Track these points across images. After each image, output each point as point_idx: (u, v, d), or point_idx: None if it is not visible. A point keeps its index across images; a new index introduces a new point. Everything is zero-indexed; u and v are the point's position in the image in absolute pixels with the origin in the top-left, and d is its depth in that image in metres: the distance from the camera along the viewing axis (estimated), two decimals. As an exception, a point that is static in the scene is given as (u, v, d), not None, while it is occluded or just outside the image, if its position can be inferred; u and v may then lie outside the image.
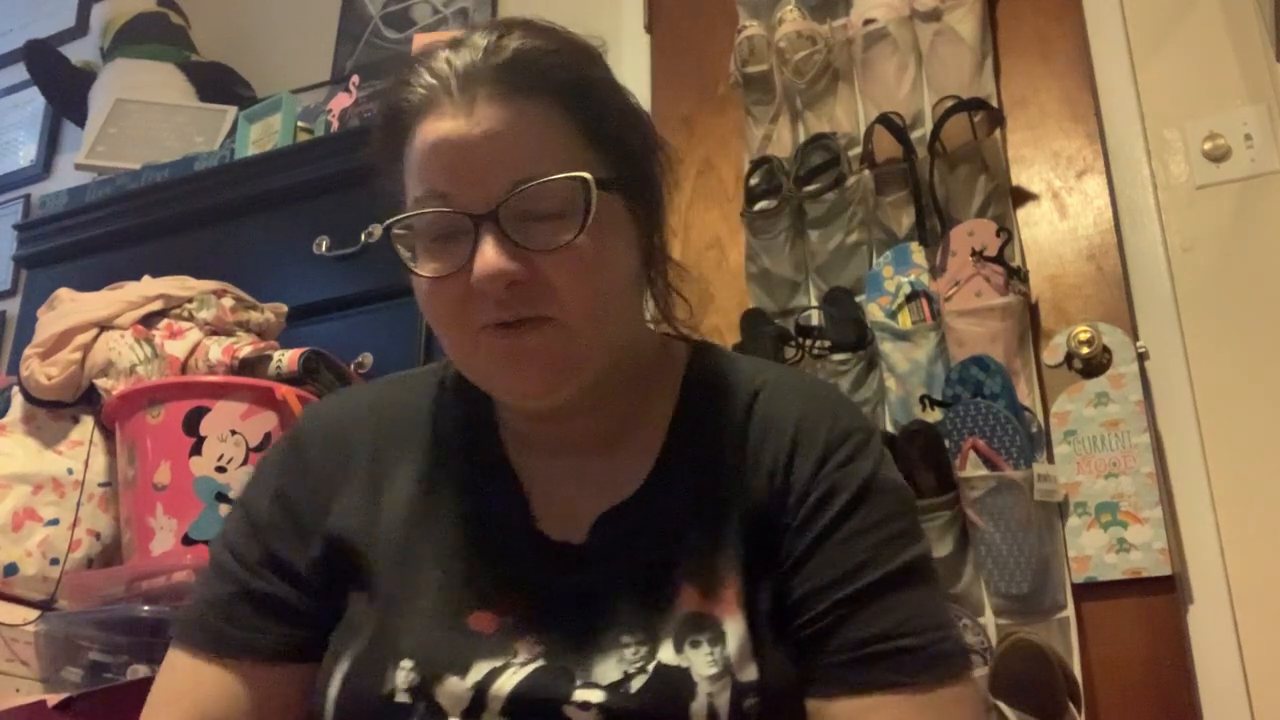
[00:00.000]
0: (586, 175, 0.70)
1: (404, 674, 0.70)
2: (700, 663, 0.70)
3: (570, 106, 0.72)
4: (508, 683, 0.70)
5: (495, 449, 0.82)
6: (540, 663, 0.71)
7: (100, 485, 1.59)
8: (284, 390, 1.46)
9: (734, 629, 0.71)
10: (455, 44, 0.73)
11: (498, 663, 0.70)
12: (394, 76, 0.75)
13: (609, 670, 0.70)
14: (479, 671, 0.70)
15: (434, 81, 0.72)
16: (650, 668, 0.70)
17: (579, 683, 0.69)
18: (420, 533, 0.78)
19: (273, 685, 0.78)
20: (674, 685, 0.69)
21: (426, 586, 0.75)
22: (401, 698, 0.70)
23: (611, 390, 0.79)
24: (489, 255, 0.68)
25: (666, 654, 0.70)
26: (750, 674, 0.70)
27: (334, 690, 0.73)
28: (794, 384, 0.82)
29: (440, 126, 0.70)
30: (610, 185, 0.73)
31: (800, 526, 0.75)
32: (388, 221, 0.73)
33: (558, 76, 0.72)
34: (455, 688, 0.70)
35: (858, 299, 1.71)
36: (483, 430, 0.82)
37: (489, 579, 0.75)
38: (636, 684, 0.69)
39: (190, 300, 1.60)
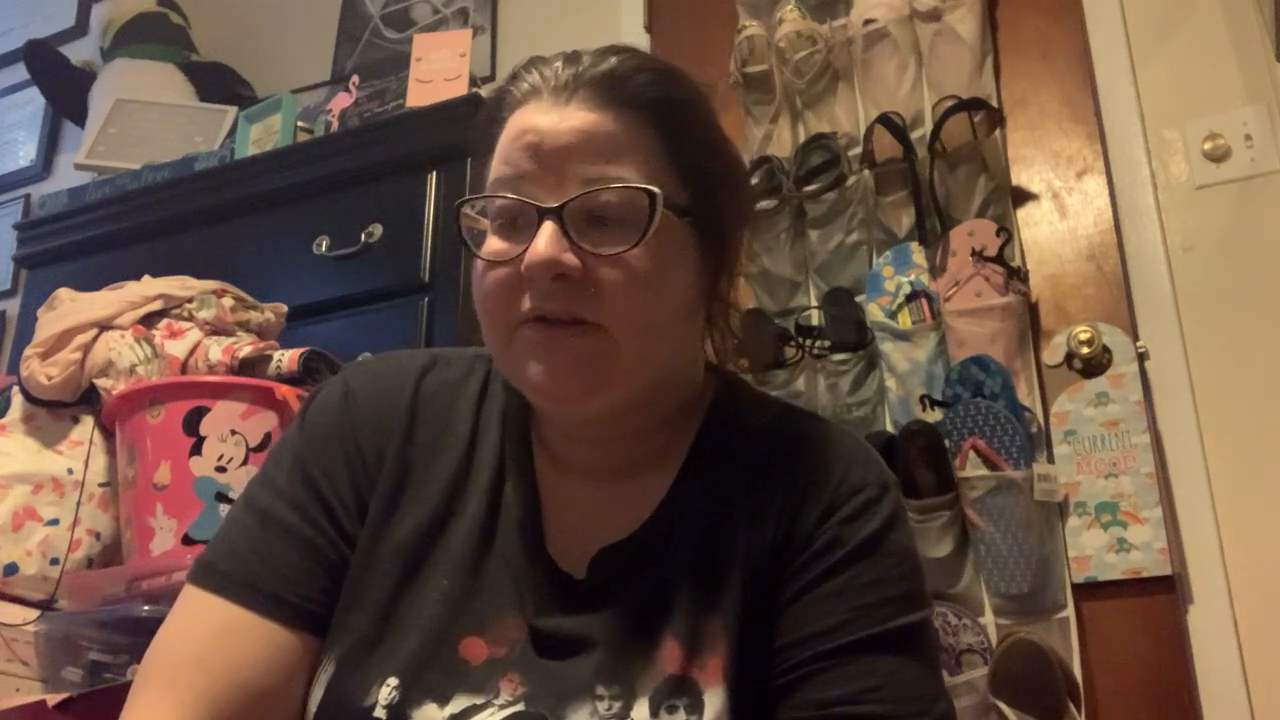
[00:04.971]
0: (655, 189, 0.70)
1: (387, 690, 0.70)
2: None
3: (658, 126, 0.73)
4: None
5: (526, 458, 0.79)
6: (519, 707, 0.69)
7: (100, 485, 1.59)
8: (284, 390, 1.46)
9: (713, 701, 0.69)
10: (568, 56, 0.76)
11: (478, 699, 0.69)
12: (509, 74, 0.78)
13: None
14: (458, 704, 0.69)
15: (539, 80, 0.74)
16: None
17: None
18: (438, 535, 0.76)
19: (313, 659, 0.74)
20: None
21: (431, 596, 0.73)
22: (379, 713, 0.69)
23: (652, 419, 0.78)
24: (543, 243, 0.68)
25: (640, 713, 0.68)
26: None
27: (318, 692, 0.72)
28: (811, 433, 0.78)
29: (533, 116, 0.72)
30: (681, 211, 0.73)
31: (792, 577, 0.72)
32: (459, 201, 0.75)
33: (650, 95, 0.73)
34: (432, 715, 0.69)
35: (858, 299, 1.71)
36: (517, 436, 0.80)
37: (490, 600, 0.73)
38: None
39: (190, 300, 1.60)
